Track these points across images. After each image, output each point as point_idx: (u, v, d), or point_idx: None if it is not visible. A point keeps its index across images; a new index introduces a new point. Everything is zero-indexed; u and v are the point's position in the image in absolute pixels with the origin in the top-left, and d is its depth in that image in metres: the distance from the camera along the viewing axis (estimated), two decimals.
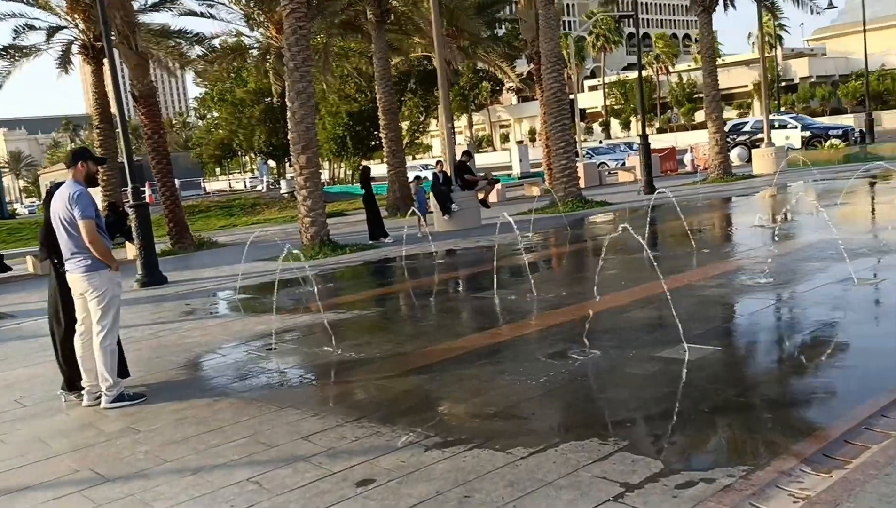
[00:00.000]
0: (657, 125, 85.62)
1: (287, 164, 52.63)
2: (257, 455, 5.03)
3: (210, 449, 5.26)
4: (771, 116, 41.55)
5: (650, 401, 5.27)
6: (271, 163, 68.98)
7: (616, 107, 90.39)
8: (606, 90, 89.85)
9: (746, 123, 39.16)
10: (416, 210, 17.62)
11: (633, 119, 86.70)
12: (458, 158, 19.82)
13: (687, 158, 36.09)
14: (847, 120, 53.22)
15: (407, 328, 8.85)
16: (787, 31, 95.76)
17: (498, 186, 25.38)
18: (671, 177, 32.36)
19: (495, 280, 10.00)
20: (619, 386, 5.67)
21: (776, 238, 11.84)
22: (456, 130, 43.34)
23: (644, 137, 23.97)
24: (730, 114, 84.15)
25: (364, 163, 38.41)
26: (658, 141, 68.35)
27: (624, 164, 37.90)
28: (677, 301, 7.85)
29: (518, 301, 9.32)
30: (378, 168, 40.17)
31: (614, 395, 5.50)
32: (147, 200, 15.69)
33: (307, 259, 15.55)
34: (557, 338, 7.33)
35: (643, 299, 8.55)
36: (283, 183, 51.98)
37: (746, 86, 77.14)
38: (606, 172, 35.42)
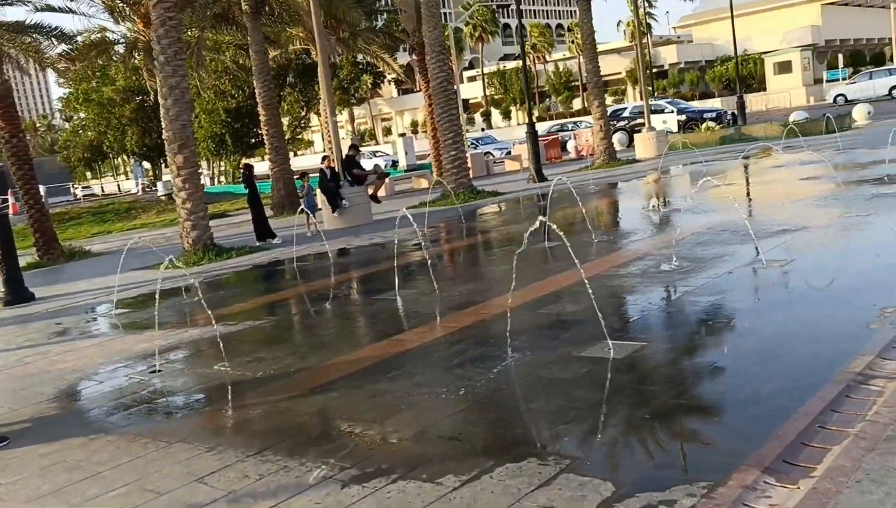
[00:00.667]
0: (536, 113, 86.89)
1: (163, 165, 50.35)
2: (144, 507, 4.31)
3: (87, 503, 4.49)
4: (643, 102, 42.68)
5: (584, 409, 4.84)
6: (146, 165, 65.97)
7: (496, 97, 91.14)
8: (486, 81, 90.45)
9: (625, 108, 39.98)
10: (305, 208, 16.84)
11: (513, 108, 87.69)
12: (344, 152, 19.10)
13: (570, 145, 36.49)
14: (717, 103, 55.36)
15: (305, 339, 8.18)
16: (655, 19, 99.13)
17: (387, 180, 24.76)
18: (557, 164, 32.57)
19: (396, 280, 9.44)
20: (547, 394, 5.22)
21: (675, 222, 11.77)
22: (338, 124, 42.35)
23: (531, 124, 23.90)
24: (605, 101, 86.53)
25: (245, 161, 36.98)
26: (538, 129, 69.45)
27: (509, 153, 37.99)
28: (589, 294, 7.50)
29: (422, 302, 8.81)
30: (261, 166, 38.79)
31: (543, 404, 5.04)
32: (10, 209, 14.32)
33: (190, 266, 14.55)
34: (471, 342, 6.84)
35: (553, 294, 8.19)
36: (159, 185, 49.75)
37: (620, 73, 79.10)
38: (493, 162, 35.35)
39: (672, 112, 37.19)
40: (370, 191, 19.17)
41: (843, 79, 58.24)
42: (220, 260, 15.00)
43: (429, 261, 10.30)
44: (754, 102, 63.33)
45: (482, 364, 6.05)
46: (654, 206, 13.57)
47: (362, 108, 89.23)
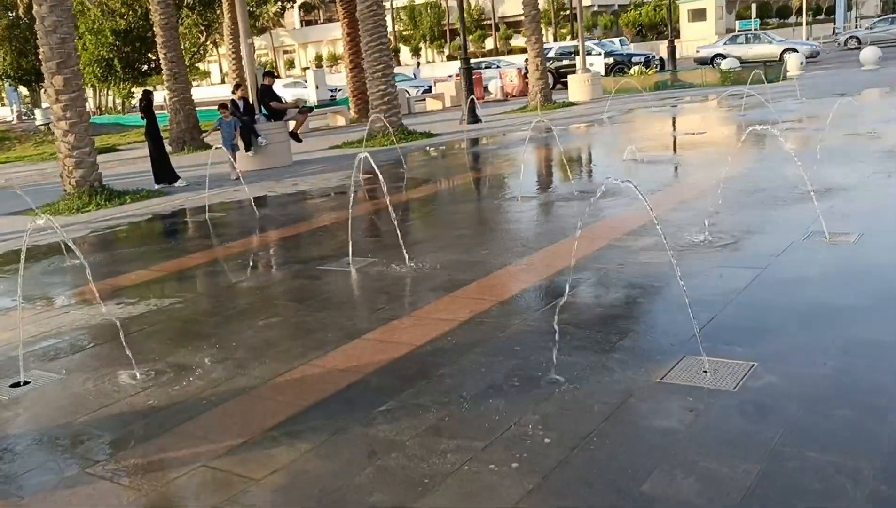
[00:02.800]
0: (447, 52, 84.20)
1: (42, 91, 45.51)
2: None
3: None
4: (574, 43, 40.92)
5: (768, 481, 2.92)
6: (23, 90, 60.11)
7: (405, 33, 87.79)
8: (394, 15, 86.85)
9: (550, 49, 38.06)
10: (224, 146, 14.26)
11: (423, 45, 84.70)
12: (260, 81, 16.48)
13: (494, 85, 34.42)
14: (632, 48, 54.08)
15: (237, 333, 5.93)
16: None
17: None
18: (482, 105, 30.48)
19: (349, 242, 7.32)
20: (709, 453, 3.27)
21: (672, 176, 9.99)
22: (253, 47, 38.89)
23: (465, 60, 21.69)
24: (518, 42, 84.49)
25: (144, 88, 33.34)
26: (450, 68, 66.98)
27: (428, 91, 35.64)
28: (614, 271, 5.56)
29: (391, 275, 6.73)
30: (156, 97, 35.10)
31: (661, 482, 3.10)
32: None
33: (73, 212, 11.92)
34: (489, 346, 4.83)
35: (567, 270, 6.22)
36: (38, 113, 45.02)
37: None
38: (412, 101, 32.93)
39: (599, 54, 35.58)
40: (291, 128, 16.67)
41: (755, 29, 57.92)
42: (112, 206, 12.39)
43: (383, 216, 8.18)
44: (663, 48, 62.66)
45: (535, 388, 4.07)
46: (632, 155, 11.75)
47: (263, 39, 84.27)
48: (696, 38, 61.05)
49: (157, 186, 14.12)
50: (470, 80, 21.51)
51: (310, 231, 9.21)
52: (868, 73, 26.70)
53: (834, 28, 56.54)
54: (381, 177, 7.63)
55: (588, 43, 38.10)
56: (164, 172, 14.42)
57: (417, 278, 6.58)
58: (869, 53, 29.16)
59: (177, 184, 14.17)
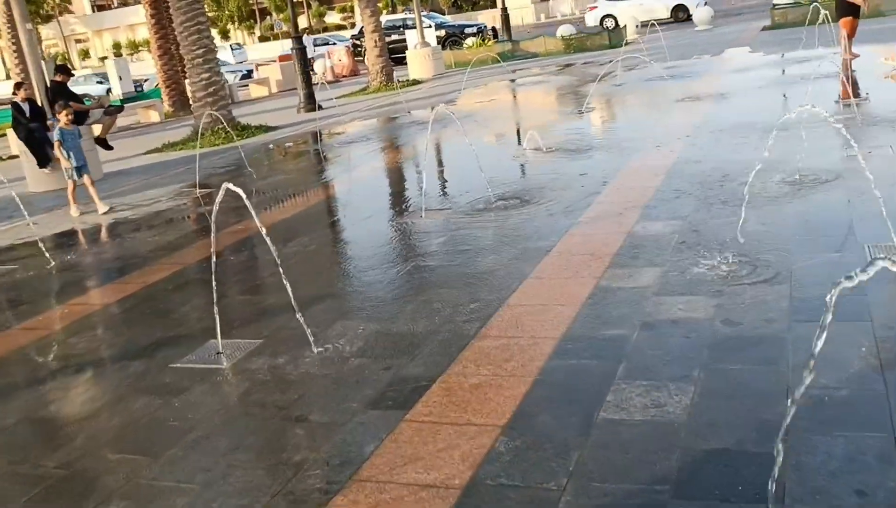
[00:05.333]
0: (258, 33, 79.70)
1: None
2: None
3: None
4: (401, 16, 38.75)
5: None
6: None
7: (210, 14, 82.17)
8: None
9: None
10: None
11: (231, 27, 79.80)
12: (50, 78, 13.12)
13: (321, 65, 31.63)
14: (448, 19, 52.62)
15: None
16: None
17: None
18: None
19: (214, 310, 4.79)
20: None
21: (597, 172, 8.04)
22: (34, 35, 33.89)
23: (298, 38, 18.95)
24: (333, 18, 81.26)
25: None
26: (261, 51, 63.14)
27: (250, 75, 32.39)
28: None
29: (293, 378, 4.31)
30: None
31: None
32: None
33: None
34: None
35: (575, 347, 4.08)
36: None
37: None
38: (235, 88, 29.61)
39: (430, 27, 33.52)
40: (97, 132, 13.42)
41: None
42: None
43: (250, 255, 5.72)
44: (482, 18, 61.82)
45: None
46: (535, 145, 9.72)
47: (50, 27, 76.31)
48: (513, 7, 60.63)
49: None
50: (305, 61, 18.81)
51: (145, 290, 6.48)
52: (705, 33, 26.31)
53: None
54: (241, 195, 5.07)
55: (412, 16, 36.04)
56: None
57: (338, 381, 4.18)
58: (703, 13, 28.93)
59: None
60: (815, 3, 24.70)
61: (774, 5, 26.44)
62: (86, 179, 9.72)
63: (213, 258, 4.99)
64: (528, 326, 4.51)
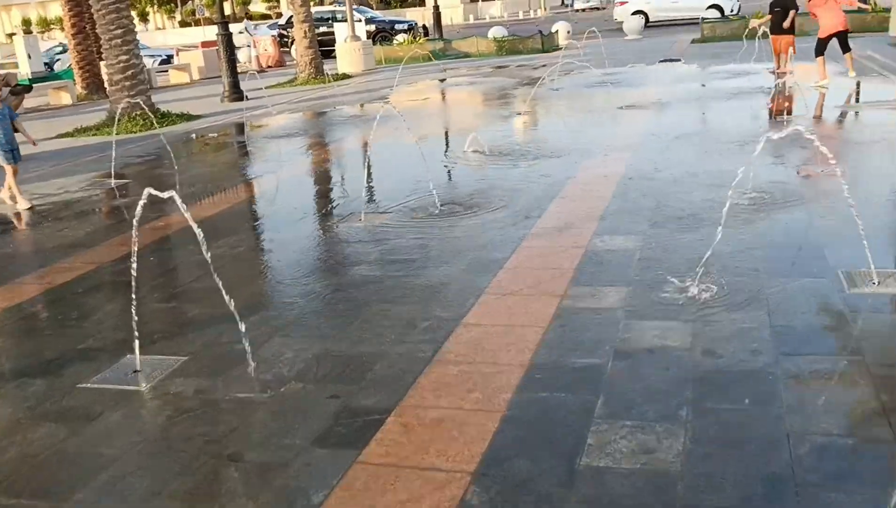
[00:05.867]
0: (179, 18, 77.16)
1: None
2: None
3: None
4: (330, 8, 37.90)
5: None
6: None
7: None
8: None
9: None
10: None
11: (150, 10, 77.14)
12: None
13: (246, 54, 30.59)
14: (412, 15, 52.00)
15: None
16: None
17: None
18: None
19: (132, 319, 4.21)
20: None
21: (556, 165, 7.69)
22: None
23: (224, 24, 18.07)
24: (257, 7, 79.34)
25: None
26: (184, 36, 61.07)
27: (169, 61, 31.05)
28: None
29: (223, 408, 3.77)
30: None
31: None
32: None
33: None
34: None
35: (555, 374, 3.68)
36: None
37: None
38: (154, 73, 28.32)
39: (360, 21, 32.82)
40: None
41: None
42: None
43: (173, 255, 5.16)
44: (410, 15, 61.31)
45: None
46: (479, 146, 9.32)
47: None
48: (446, 6, 60.34)
49: None
50: (231, 48, 17.99)
51: (51, 293, 5.78)
52: (634, 42, 26.47)
53: None
54: (166, 192, 4.50)
55: (341, 9, 35.30)
56: None
57: (278, 411, 3.66)
58: (633, 23, 29.10)
59: None
60: (743, 19, 25.21)
61: (704, 19, 26.81)
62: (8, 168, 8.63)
63: (134, 259, 4.38)
64: (490, 350, 4.08)
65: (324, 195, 8.42)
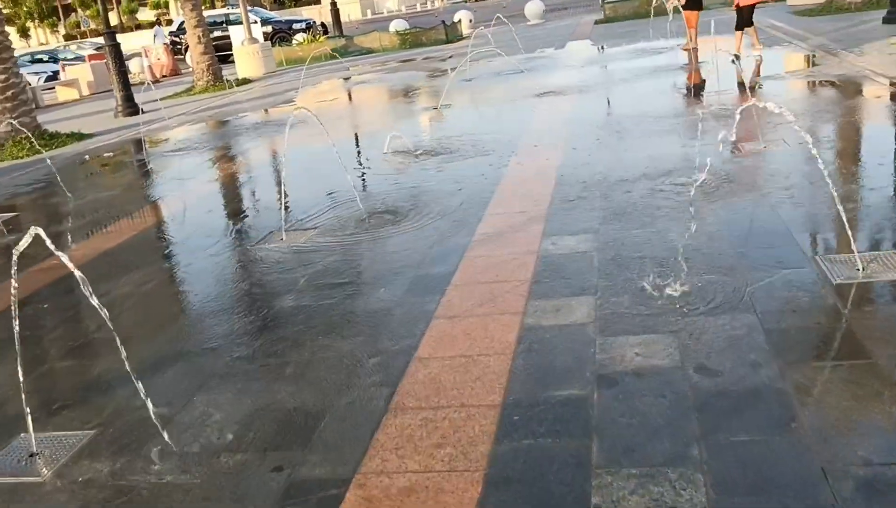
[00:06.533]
0: (64, 31, 73.70)
1: None
2: None
3: None
4: (223, 11, 36.59)
5: None
6: None
7: (6, 11, 75.29)
8: None
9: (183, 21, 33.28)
10: None
11: (31, 25, 73.49)
12: None
13: (138, 64, 29.13)
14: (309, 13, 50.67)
15: None
16: None
17: None
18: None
19: (21, 393, 3.50)
20: None
21: (486, 161, 7.17)
22: None
23: (111, 35, 16.91)
24: (146, 15, 76.44)
25: None
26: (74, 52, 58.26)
27: (54, 76, 29.29)
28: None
29: (139, 498, 3.10)
30: None
31: None
32: None
33: None
34: None
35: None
36: None
37: None
38: (39, 91, 26.62)
39: (256, 22, 31.68)
40: None
41: None
42: None
43: (69, 303, 4.44)
44: (307, 13, 60.02)
45: None
46: (404, 145, 8.73)
47: None
48: (342, 2, 59.26)
49: None
50: (120, 59, 16.84)
51: None
52: (538, 26, 26.27)
53: None
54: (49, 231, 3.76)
55: (235, 11, 34.04)
56: None
57: (211, 495, 3.02)
58: (534, 7, 28.89)
59: None
60: None
61: (604, 0, 26.80)
62: None
63: (15, 309, 3.64)
64: (454, 389, 3.52)
65: (238, 214, 7.68)
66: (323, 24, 33.28)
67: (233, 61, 24.02)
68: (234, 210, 7.95)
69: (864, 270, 4.06)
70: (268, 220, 6.88)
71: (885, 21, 13.67)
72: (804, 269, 4.23)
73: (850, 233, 4.22)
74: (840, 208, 4.25)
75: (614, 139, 7.99)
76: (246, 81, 20.92)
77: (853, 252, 4.17)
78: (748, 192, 5.74)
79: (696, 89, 10.38)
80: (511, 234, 5.49)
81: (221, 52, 25.40)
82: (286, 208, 6.98)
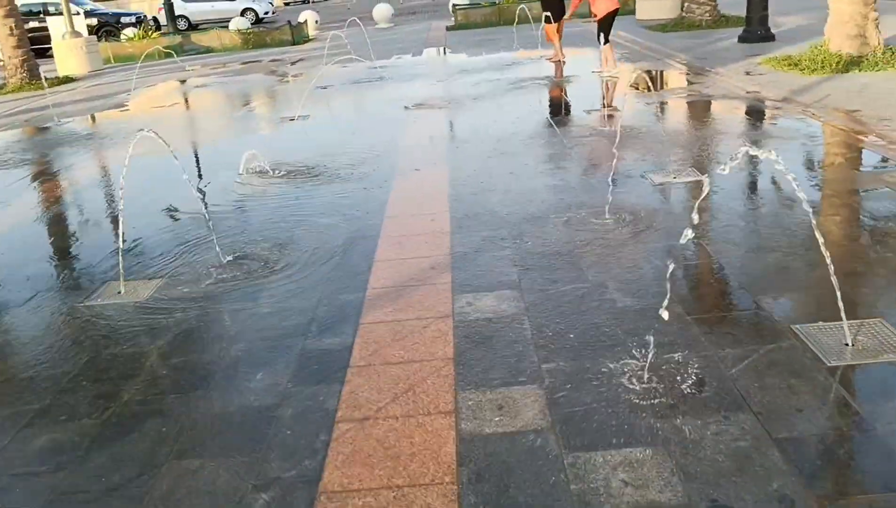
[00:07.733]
0: None
1: None
2: None
3: None
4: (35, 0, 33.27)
5: None
6: None
7: None
8: None
9: None
10: None
11: None
12: None
13: None
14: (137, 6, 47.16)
15: None
16: None
17: None
18: None
19: None
20: None
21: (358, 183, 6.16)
22: None
23: None
24: None
25: None
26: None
27: None
28: None
29: None
30: None
31: None
32: None
33: None
34: None
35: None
36: None
37: None
38: None
39: (78, 14, 28.90)
40: None
41: None
42: None
43: None
44: (136, 7, 56.33)
45: None
46: (259, 163, 7.53)
47: None
48: None
49: None
50: None
51: None
52: (387, 30, 25.42)
53: None
54: None
55: (54, 0, 30.99)
56: None
57: None
58: (382, 11, 27.94)
59: None
60: (495, 5, 24.98)
61: (455, 6, 26.32)
62: None
63: None
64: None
65: (63, 256, 6.20)
66: (155, 19, 30.91)
67: (52, 56, 21.59)
68: (58, 249, 6.43)
69: None
70: (101, 264, 5.54)
71: (741, 40, 13.75)
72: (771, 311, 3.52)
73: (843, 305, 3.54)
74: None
75: (505, 162, 7.17)
76: (68, 80, 18.73)
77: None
78: (669, 227, 5.05)
79: (568, 105, 9.81)
80: (414, 289, 4.51)
81: (38, 46, 22.86)
82: (124, 247, 5.63)
